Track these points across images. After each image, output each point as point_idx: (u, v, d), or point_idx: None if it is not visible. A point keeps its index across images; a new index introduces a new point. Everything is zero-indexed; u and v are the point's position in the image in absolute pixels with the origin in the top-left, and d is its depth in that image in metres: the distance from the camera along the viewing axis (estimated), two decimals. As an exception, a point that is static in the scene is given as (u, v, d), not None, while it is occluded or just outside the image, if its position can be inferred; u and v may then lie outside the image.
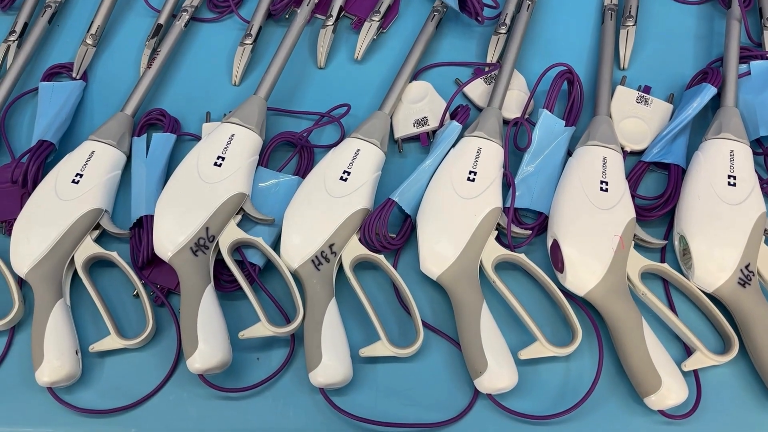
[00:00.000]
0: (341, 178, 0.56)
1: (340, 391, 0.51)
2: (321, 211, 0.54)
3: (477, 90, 0.63)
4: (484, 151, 0.56)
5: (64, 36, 0.70)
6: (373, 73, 0.66)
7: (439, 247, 0.53)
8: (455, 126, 0.58)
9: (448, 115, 0.61)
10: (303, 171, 0.60)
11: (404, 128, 0.61)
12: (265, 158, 0.60)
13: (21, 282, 0.55)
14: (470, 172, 0.55)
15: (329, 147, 0.62)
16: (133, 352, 0.53)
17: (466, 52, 0.66)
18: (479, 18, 0.64)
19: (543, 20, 0.68)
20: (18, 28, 0.68)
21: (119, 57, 0.68)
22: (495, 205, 0.54)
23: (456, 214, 0.53)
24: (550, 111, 0.58)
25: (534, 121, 0.60)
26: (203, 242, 0.53)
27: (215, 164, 0.56)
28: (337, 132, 0.63)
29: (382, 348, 0.51)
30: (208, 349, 0.49)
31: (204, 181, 0.55)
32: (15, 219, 0.58)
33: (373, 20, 0.66)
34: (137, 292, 0.55)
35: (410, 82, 0.63)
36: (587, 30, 0.68)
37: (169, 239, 0.53)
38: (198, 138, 0.63)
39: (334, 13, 0.67)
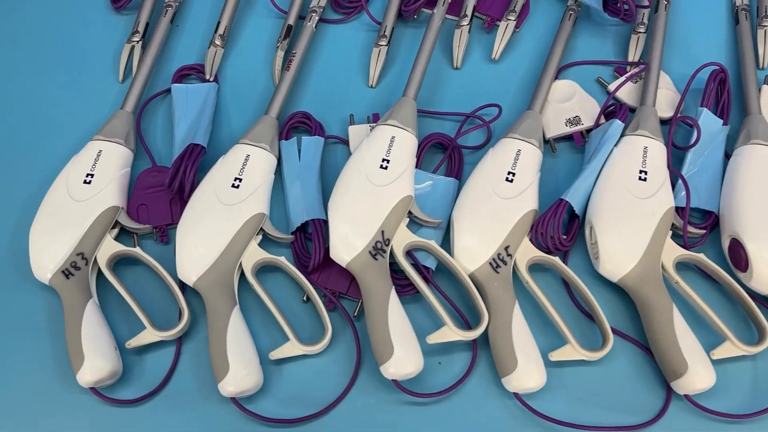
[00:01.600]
0: (507, 180, 0.55)
1: (531, 396, 0.50)
2: (493, 214, 0.54)
3: (623, 89, 0.63)
4: (651, 150, 0.56)
5: (186, 36, 0.69)
6: (511, 72, 0.65)
7: (621, 249, 0.52)
8: (618, 125, 0.57)
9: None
10: (454, 172, 0.60)
11: (556, 128, 0.61)
12: (420, 160, 0.59)
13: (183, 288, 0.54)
14: (641, 171, 0.55)
15: (477, 148, 0.61)
16: (312, 359, 0.52)
17: (601, 51, 0.66)
18: (627, 17, 0.64)
19: (676, 20, 0.67)
20: (140, 29, 0.67)
21: (247, 58, 0.67)
22: (670, 204, 0.54)
23: (634, 214, 0.53)
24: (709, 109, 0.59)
25: (688, 119, 0.61)
26: (380, 245, 0.53)
27: (382, 167, 0.55)
28: (481, 133, 0.62)
29: (572, 352, 0.50)
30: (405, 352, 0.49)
31: (374, 184, 0.54)
32: (168, 225, 0.57)
33: (509, 19, 0.66)
34: (307, 297, 0.54)
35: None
36: (719, 30, 0.67)
37: (347, 245, 0.52)
38: (344, 141, 0.62)
39: (469, 12, 0.66)
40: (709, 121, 0.58)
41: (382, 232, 0.53)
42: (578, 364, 0.51)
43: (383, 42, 0.66)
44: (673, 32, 0.67)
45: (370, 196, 0.54)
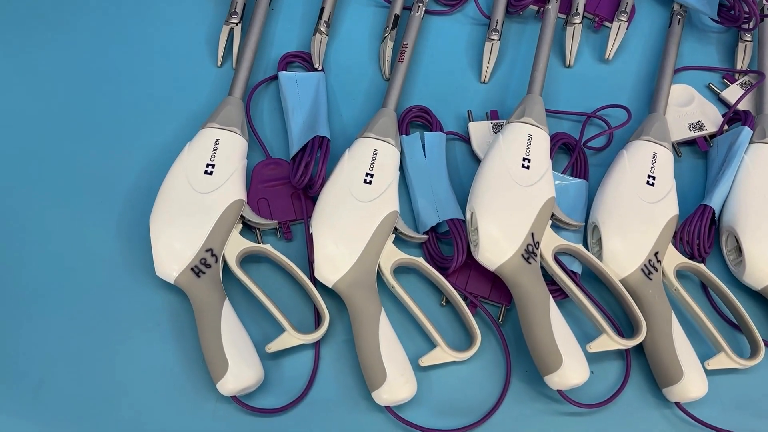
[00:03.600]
0: (649, 183, 0.54)
1: (690, 405, 0.49)
2: (641, 219, 0.52)
3: (734, 94, 0.63)
4: (782, 159, 0.57)
5: (283, 20, 0.65)
6: (622, 73, 0.64)
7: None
8: (747, 132, 0.57)
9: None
10: (582, 174, 0.58)
11: (680, 132, 0.60)
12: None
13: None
14: (777, 181, 0.55)
15: (601, 149, 0.60)
16: (459, 366, 0.50)
17: (707, 57, 0.66)
18: (746, 25, 0.63)
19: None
20: (239, 9, 0.62)
21: (351, 48, 0.64)
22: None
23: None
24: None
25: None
26: (531, 248, 0.51)
27: (524, 166, 0.53)
28: (604, 136, 0.61)
29: (727, 361, 0.50)
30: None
31: (520, 185, 0.52)
32: (291, 220, 0.54)
33: (621, 20, 0.65)
34: (446, 300, 0.52)
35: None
36: None
37: (498, 248, 0.50)
38: (463, 138, 0.59)
39: (581, 10, 0.65)
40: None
41: (532, 234, 0.51)
42: (731, 372, 0.51)
43: (495, 36, 0.63)
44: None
45: (519, 197, 0.52)
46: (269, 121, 0.60)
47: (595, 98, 0.63)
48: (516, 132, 0.55)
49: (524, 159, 0.53)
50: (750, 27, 0.64)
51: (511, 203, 0.52)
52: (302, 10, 0.65)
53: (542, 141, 0.55)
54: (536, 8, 0.66)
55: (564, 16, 0.66)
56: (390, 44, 0.63)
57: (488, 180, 0.53)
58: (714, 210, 0.54)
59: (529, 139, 0.54)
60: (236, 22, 0.62)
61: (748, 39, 0.65)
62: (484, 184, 0.52)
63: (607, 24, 0.66)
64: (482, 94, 0.63)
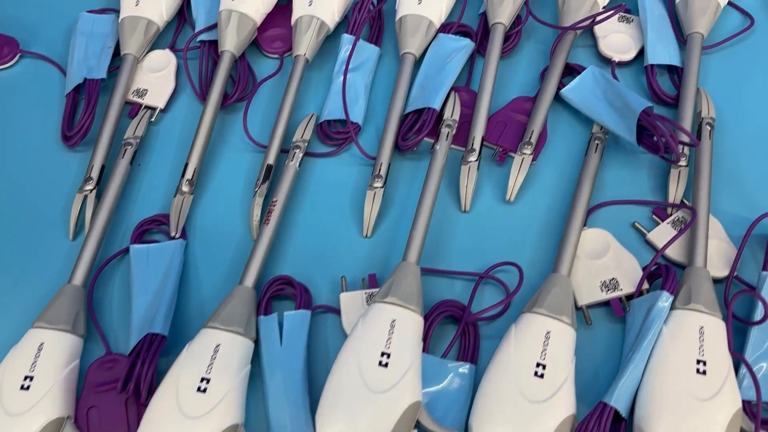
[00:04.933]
0: (537, 374, 0.45)
1: None
2: (526, 420, 0.43)
3: (663, 236, 0.53)
4: (708, 331, 0.46)
5: (150, 176, 0.59)
6: (529, 216, 0.55)
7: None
8: (666, 299, 0.47)
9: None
10: (470, 353, 0.50)
11: (590, 293, 0.50)
12: (427, 341, 0.49)
13: None
14: (699, 362, 0.45)
15: (495, 318, 0.51)
16: None
17: (635, 186, 0.56)
18: (669, 156, 0.53)
19: (723, 146, 0.57)
20: (95, 174, 0.57)
21: (220, 205, 0.57)
22: (737, 405, 0.44)
23: (697, 425, 0.43)
24: (773, 274, 0.49)
25: (746, 280, 0.51)
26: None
27: (381, 364, 0.45)
28: (499, 293, 0.53)
29: None
30: None
31: (372, 391, 0.44)
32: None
33: (524, 153, 0.56)
34: None
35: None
36: None
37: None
38: (335, 311, 0.52)
39: (477, 145, 0.56)
40: (776, 289, 0.49)
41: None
42: None
43: (378, 183, 0.56)
44: (721, 162, 0.57)
45: (369, 408, 0.43)
46: (120, 306, 0.53)
47: (498, 248, 0.54)
48: (377, 318, 0.46)
49: (383, 355, 0.45)
50: (672, 159, 0.54)
51: (360, 416, 0.43)
52: (173, 163, 0.59)
53: (409, 326, 0.46)
54: (432, 141, 0.58)
55: (462, 149, 0.58)
56: (259, 201, 0.56)
57: (334, 388, 0.45)
58: (617, 409, 0.44)
59: (392, 327, 0.46)
60: (90, 188, 0.56)
61: (683, 164, 0.55)
62: (331, 395, 0.44)
63: (513, 155, 0.58)
64: (364, 251, 0.55)
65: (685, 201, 0.54)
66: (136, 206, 0.57)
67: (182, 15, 0.67)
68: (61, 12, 0.68)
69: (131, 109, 0.62)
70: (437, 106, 0.58)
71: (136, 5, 0.64)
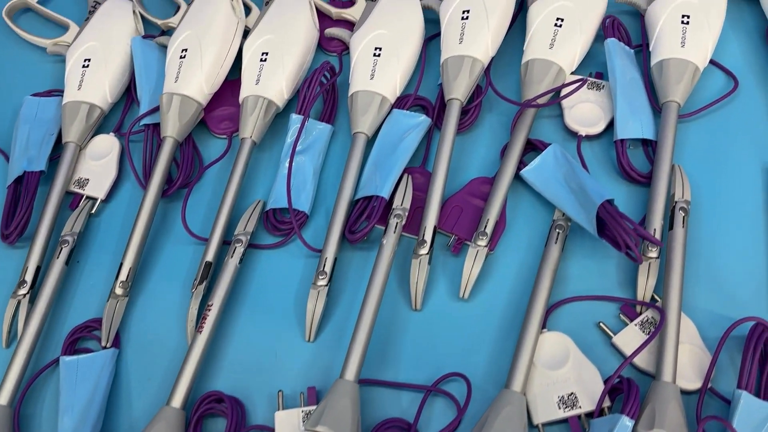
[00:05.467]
0: None
1: None
2: None
3: (631, 340, 0.48)
4: (674, 462, 0.41)
5: (87, 276, 0.56)
6: (486, 314, 0.51)
7: None
8: (627, 424, 0.42)
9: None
10: (414, 479, 0.45)
11: (546, 410, 0.45)
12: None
13: None
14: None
15: (445, 435, 0.47)
16: None
17: (602, 279, 0.51)
18: (633, 254, 0.47)
19: (700, 237, 0.52)
20: (29, 277, 0.54)
21: (158, 306, 0.54)
22: None
23: None
24: (750, 392, 0.43)
25: (721, 393, 0.45)
26: None
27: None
28: (451, 412, 0.48)
29: None
30: None
31: None
32: None
33: (478, 245, 0.52)
34: None
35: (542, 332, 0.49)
36: (758, 244, 0.51)
37: None
38: (270, 431, 0.48)
39: (428, 237, 0.52)
40: (752, 409, 0.43)
41: None
42: None
43: (322, 281, 0.52)
44: (698, 251, 0.51)
45: None
46: (52, 423, 0.50)
47: (447, 354, 0.49)
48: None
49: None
50: (634, 257, 0.48)
51: None
52: (113, 259, 0.57)
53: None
54: (383, 228, 0.54)
55: (415, 237, 0.54)
56: (195, 304, 0.52)
57: None
58: None
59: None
60: (24, 293, 0.54)
61: (653, 255, 0.50)
62: None
63: (470, 244, 0.53)
64: (307, 358, 0.51)
65: (657, 297, 0.49)
66: (72, 309, 0.54)
67: (130, 94, 0.65)
68: (9, 96, 0.66)
69: (72, 201, 0.59)
70: (385, 194, 0.54)
71: (79, 89, 0.61)
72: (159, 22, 0.66)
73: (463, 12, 0.58)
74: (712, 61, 0.58)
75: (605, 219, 0.47)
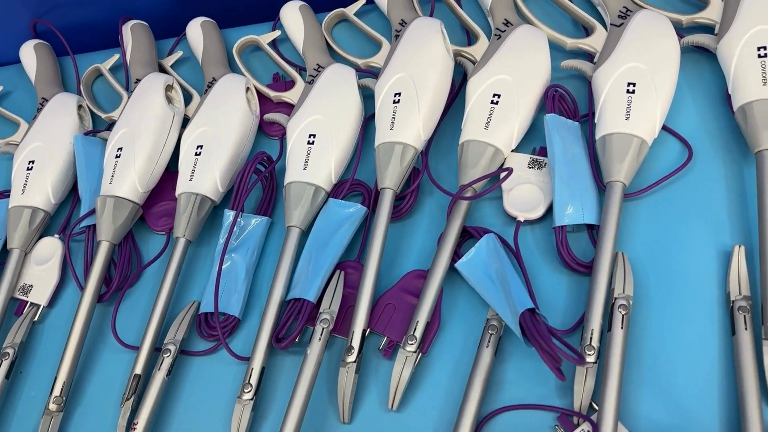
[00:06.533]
0: None
1: None
2: None
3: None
4: None
5: (28, 387, 0.56)
6: (418, 425, 0.48)
7: None
8: None
9: None
10: None
11: None
12: None
13: None
14: None
15: None
16: None
17: (539, 384, 0.47)
18: (559, 372, 0.44)
19: (646, 326, 0.48)
20: (-32, 392, 0.55)
21: (92, 421, 0.53)
22: None
23: None
24: None
25: None
26: None
27: None
28: None
29: None
30: None
31: None
32: None
33: (408, 351, 0.49)
34: None
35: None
36: (710, 343, 0.46)
37: None
38: None
39: (356, 343, 0.49)
40: None
41: None
42: None
43: (248, 394, 0.49)
44: (641, 350, 0.47)
45: None
46: None
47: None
48: None
49: None
50: (561, 377, 0.43)
51: None
52: (55, 368, 0.55)
53: None
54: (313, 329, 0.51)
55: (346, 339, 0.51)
56: (124, 420, 0.51)
57: None
58: None
59: None
60: (-37, 410, 0.55)
61: (590, 360, 0.46)
62: None
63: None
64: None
65: (595, 405, 0.45)
66: (13, 425, 0.54)
67: (76, 193, 0.64)
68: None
69: (18, 307, 0.59)
70: (312, 297, 0.51)
71: (23, 192, 0.61)
72: (103, 116, 0.66)
73: (395, 95, 0.56)
74: (665, 128, 0.54)
75: (526, 330, 0.44)
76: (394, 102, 0.56)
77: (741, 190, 0.50)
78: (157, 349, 0.54)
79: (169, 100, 0.62)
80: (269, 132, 0.63)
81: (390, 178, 0.54)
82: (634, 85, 0.52)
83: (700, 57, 0.56)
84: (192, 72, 0.68)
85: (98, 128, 0.67)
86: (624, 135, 0.51)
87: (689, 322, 0.47)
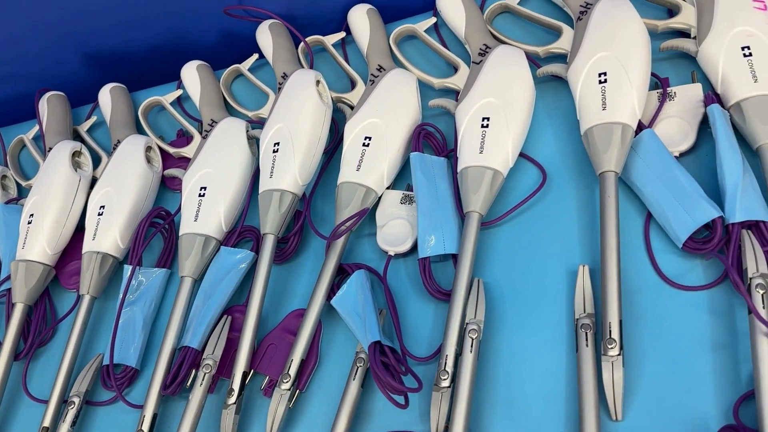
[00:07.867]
0: None
1: None
2: None
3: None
4: None
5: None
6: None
7: None
8: None
9: None
10: None
11: None
12: None
13: None
14: None
15: None
16: None
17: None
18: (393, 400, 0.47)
19: (499, 354, 0.49)
20: None
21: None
22: None
23: None
24: None
25: None
26: None
27: None
28: None
29: None
30: None
31: None
32: None
33: (282, 388, 0.51)
34: None
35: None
36: (558, 361, 0.48)
37: None
38: None
39: (236, 386, 0.52)
40: None
41: None
42: None
43: (140, 441, 0.53)
44: (495, 377, 0.48)
45: None
46: None
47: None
48: None
49: None
50: (404, 404, 0.46)
51: None
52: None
53: None
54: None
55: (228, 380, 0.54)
56: (31, 472, 0.55)
57: None
58: None
59: None
60: None
61: (444, 386, 0.47)
62: None
63: (280, 386, 0.53)
64: None
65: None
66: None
67: (-1, 258, 0.69)
68: None
69: (-56, 370, 0.64)
70: (196, 344, 0.54)
71: (-49, 261, 0.66)
72: (24, 183, 0.71)
73: (274, 145, 0.59)
74: (523, 155, 0.56)
75: (371, 364, 0.46)
76: (274, 151, 0.59)
77: (591, 211, 0.52)
78: (65, 402, 0.57)
79: (78, 165, 0.67)
80: (171, 186, 0.67)
81: (270, 223, 0.57)
82: (488, 119, 0.55)
83: (558, 84, 0.59)
84: (106, 135, 0.72)
85: (23, 196, 0.72)
86: (478, 168, 0.53)
87: (540, 341, 0.49)
